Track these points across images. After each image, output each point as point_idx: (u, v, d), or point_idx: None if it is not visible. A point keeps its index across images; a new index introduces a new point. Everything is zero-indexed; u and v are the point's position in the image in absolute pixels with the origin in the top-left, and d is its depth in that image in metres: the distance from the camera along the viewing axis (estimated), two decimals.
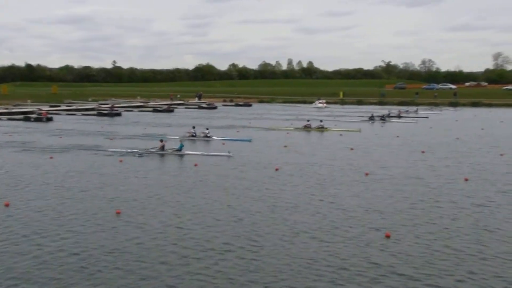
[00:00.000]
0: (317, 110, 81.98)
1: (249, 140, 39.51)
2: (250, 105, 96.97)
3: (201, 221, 17.31)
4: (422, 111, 77.95)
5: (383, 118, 61.59)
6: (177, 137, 40.71)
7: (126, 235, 15.81)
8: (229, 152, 32.10)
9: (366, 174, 25.80)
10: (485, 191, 22.23)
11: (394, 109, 73.11)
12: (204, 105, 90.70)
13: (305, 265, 13.45)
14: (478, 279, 12.54)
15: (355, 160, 30.69)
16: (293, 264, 13.53)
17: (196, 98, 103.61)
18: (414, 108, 79.91)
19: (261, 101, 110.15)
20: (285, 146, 36.43)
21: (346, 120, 61.41)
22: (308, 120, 51.48)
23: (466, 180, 24.53)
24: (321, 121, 50.70)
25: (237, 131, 47.34)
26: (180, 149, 32.65)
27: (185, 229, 16.48)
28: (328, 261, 13.77)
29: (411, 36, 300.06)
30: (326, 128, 49.01)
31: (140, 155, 31.98)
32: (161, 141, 33.59)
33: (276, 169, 27.07)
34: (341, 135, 45.15)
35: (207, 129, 42.38)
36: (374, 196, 21.08)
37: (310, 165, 28.83)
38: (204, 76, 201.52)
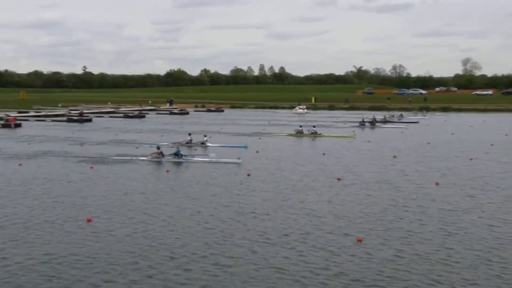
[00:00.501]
0: (298, 116, 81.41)
1: (245, 147, 38.68)
2: (222, 111, 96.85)
3: (173, 228, 17.21)
4: (410, 116, 77.54)
5: (373, 123, 61.00)
6: (166, 143, 39.61)
7: (96, 242, 15.63)
8: (238, 159, 31.44)
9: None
10: (454, 195, 22.50)
11: (378, 115, 72.20)
12: (175, 111, 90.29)
13: (274, 272, 13.42)
14: (446, 284, 12.66)
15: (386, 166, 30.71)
16: (262, 270, 13.51)
17: (168, 104, 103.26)
18: (398, 113, 78.50)
19: (233, 107, 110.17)
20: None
21: (335, 126, 61.08)
22: (301, 126, 51.05)
23: (437, 184, 24.89)
24: (314, 126, 50.39)
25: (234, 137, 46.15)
26: (177, 154, 31.74)
27: (155, 236, 16.36)
28: (299, 266, 13.78)
29: (382, 42, 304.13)
30: (319, 133, 48.44)
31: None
32: (158, 148, 32.72)
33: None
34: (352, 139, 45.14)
35: (205, 135, 41.58)
36: (349, 201, 21.23)
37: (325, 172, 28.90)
38: (175, 81, 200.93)
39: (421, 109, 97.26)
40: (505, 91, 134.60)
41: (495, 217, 18.66)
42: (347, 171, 28.49)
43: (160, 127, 58.97)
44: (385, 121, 65.22)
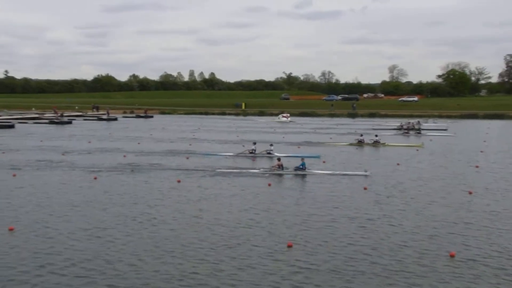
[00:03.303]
0: (281, 125, 77.13)
1: (318, 157, 36.17)
2: (151, 117, 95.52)
3: (96, 237, 16.54)
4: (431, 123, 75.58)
5: (418, 131, 59.78)
6: (231, 154, 38.21)
7: (19, 252, 14.83)
8: (366, 171, 29.50)
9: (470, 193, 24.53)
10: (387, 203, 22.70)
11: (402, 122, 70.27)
12: (104, 117, 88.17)
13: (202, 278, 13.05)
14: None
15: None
16: (196, 277, 13.12)
17: (94, 110, 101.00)
18: (415, 120, 73.03)
19: (162, 112, 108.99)
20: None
21: (342, 133, 58.95)
22: (362, 135, 48.40)
23: (365, 188, 25.10)
24: (376, 135, 48.15)
25: (298, 147, 43.26)
26: (303, 168, 29.22)
27: (79, 246, 15.66)
28: (231, 274, 13.49)
29: (312, 49, 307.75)
30: (383, 143, 46.05)
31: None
32: (279, 160, 30.30)
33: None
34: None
35: (271, 145, 39.02)
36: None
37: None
38: (103, 87, 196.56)
39: (349, 115, 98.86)
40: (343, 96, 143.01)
41: None
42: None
43: (87, 133, 57.37)
44: (418, 129, 62.01)
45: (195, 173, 29.32)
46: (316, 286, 12.70)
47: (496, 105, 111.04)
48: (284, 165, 29.43)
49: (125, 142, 47.45)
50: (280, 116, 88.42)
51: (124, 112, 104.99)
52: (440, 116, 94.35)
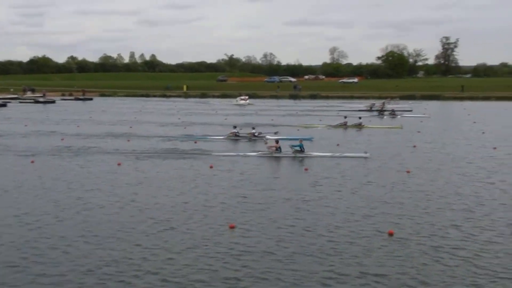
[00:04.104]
0: (239, 108, 74.39)
1: (311, 139, 35.06)
2: (91, 99, 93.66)
3: (26, 223, 16.15)
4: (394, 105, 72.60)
5: (393, 113, 58.90)
6: (222, 137, 37.23)
7: None
8: (365, 153, 29.20)
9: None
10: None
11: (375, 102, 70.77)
12: (41, 100, 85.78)
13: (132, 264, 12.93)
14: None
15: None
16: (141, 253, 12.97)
17: (29, 92, 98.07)
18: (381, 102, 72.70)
19: (102, 95, 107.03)
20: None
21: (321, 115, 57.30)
22: (345, 117, 47.62)
23: (306, 169, 25.33)
24: (359, 117, 47.63)
25: (277, 132, 40.54)
26: (301, 149, 28.98)
27: (7, 232, 15.26)
28: (169, 257, 13.40)
29: (253, 30, 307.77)
30: (364, 125, 45.56)
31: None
32: (277, 142, 29.81)
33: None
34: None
35: (254, 128, 38.26)
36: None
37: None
38: (40, 68, 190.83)
39: (290, 96, 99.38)
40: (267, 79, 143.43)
41: None
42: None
43: (23, 116, 55.72)
44: (392, 111, 60.60)
45: (138, 156, 28.94)
46: (253, 268, 12.78)
47: (433, 86, 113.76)
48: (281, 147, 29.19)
49: (64, 125, 46.44)
50: (238, 98, 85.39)
51: (63, 95, 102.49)
52: (380, 97, 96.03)
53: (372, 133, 41.78)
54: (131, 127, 44.86)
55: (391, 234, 15.02)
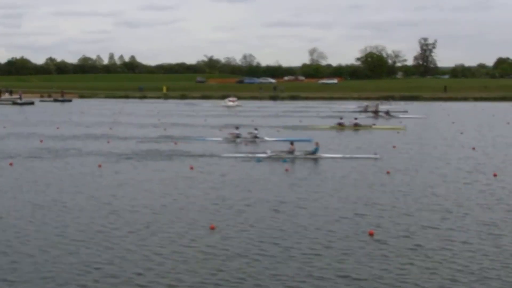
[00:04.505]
0: (228, 109, 73.63)
1: (309, 140, 33.77)
2: (70, 101, 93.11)
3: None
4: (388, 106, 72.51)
5: (388, 114, 58.81)
6: (220, 138, 36.87)
7: None
8: (375, 154, 29.24)
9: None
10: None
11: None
12: (19, 101, 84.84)
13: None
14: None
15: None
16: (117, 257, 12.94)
17: (6, 94, 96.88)
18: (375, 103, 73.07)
19: (82, 96, 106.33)
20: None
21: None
22: (341, 118, 47.59)
23: (287, 170, 25.37)
24: (355, 118, 47.71)
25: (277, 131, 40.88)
26: (315, 152, 28.77)
27: None
28: (150, 259, 13.35)
29: (232, 31, 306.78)
30: (362, 125, 45.41)
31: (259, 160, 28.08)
32: (292, 143, 29.42)
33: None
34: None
35: (256, 129, 37.63)
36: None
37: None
38: (18, 70, 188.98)
39: (270, 98, 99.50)
40: None
41: None
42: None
43: (3, 118, 55.15)
44: (387, 112, 60.44)
45: (118, 158, 28.80)
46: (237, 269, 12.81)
47: (412, 87, 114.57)
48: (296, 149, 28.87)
49: (43, 127, 46.05)
50: (226, 100, 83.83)
51: (41, 96, 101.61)
52: (360, 98, 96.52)
53: (378, 134, 41.48)
54: (110, 129, 44.68)
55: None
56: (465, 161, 28.31)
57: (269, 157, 28.52)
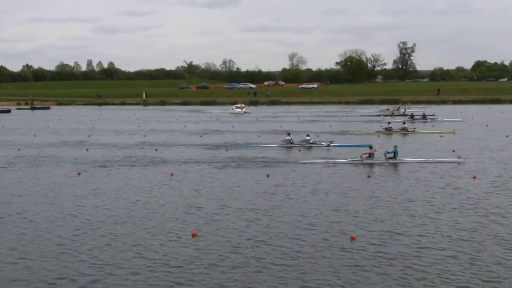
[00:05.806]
0: (235, 116, 71.42)
1: (370, 146, 31.49)
2: (48, 108, 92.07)
3: None
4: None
5: (423, 118, 56.76)
6: (275, 145, 36.21)
7: None
8: (459, 157, 28.40)
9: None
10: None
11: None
12: None
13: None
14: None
15: None
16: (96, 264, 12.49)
17: None
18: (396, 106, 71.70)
19: (59, 104, 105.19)
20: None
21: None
22: (389, 123, 46.56)
23: (268, 175, 25.08)
24: (404, 123, 46.81)
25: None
26: (394, 155, 28.31)
27: None
28: (135, 264, 13.00)
29: (212, 37, 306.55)
30: (412, 130, 44.58)
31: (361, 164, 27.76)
32: (370, 148, 29.15)
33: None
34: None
35: (308, 135, 36.83)
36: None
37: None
38: None
39: (251, 103, 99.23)
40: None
41: None
42: None
43: None
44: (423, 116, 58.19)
45: (97, 165, 28.30)
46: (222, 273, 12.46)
47: (391, 90, 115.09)
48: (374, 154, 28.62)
49: (20, 135, 45.29)
50: (233, 107, 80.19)
51: (18, 104, 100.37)
52: (340, 102, 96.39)
53: (426, 138, 40.14)
54: (89, 136, 44.02)
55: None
56: None
57: (350, 163, 28.28)
